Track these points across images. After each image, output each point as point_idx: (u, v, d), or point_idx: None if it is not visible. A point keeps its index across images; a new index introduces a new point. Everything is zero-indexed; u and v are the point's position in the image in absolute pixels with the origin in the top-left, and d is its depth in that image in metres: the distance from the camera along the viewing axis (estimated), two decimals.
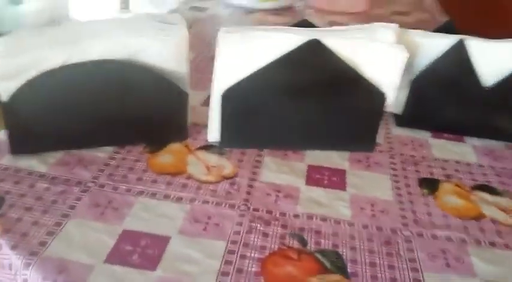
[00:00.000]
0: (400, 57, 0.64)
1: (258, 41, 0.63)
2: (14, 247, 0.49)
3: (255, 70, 0.63)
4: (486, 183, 0.66)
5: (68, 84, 0.60)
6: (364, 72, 0.65)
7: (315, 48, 0.62)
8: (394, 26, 0.67)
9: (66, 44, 0.59)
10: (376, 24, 0.67)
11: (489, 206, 0.61)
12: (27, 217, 0.53)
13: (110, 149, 0.66)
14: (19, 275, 0.48)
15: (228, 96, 0.64)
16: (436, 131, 0.77)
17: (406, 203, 0.60)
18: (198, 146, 0.69)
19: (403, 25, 0.71)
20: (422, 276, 0.49)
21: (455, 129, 0.77)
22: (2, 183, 0.58)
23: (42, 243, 0.50)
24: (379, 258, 0.51)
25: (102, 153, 0.65)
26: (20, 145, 0.62)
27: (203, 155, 0.67)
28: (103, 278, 0.47)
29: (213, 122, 0.67)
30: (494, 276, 0.50)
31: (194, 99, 0.74)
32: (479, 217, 0.59)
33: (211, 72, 0.65)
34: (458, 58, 0.71)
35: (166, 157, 0.66)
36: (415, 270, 0.50)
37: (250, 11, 1.29)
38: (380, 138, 0.72)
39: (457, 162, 0.70)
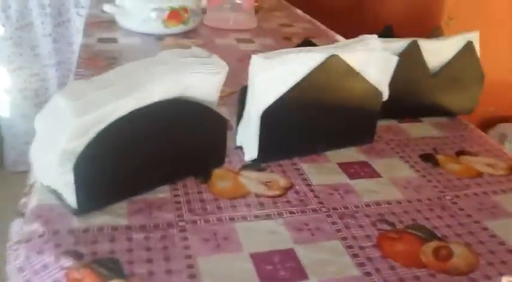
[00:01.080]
0: (391, 61, 0.78)
1: (288, 63, 0.70)
2: None
3: (288, 89, 0.70)
4: (461, 149, 0.84)
5: (133, 131, 0.60)
6: (366, 76, 0.77)
7: (334, 62, 0.72)
8: (375, 36, 0.80)
9: (130, 91, 0.59)
10: (361, 36, 0.80)
11: (478, 164, 0.78)
12: (157, 269, 0.53)
13: (165, 188, 0.66)
14: None
15: (267, 116, 0.70)
16: (398, 118, 0.93)
17: (428, 176, 0.75)
18: (239, 167, 0.73)
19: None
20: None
21: (412, 113, 0.94)
22: (97, 245, 0.55)
23: None
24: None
25: (162, 193, 0.65)
26: (85, 203, 0.59)
27: (249, 174, 0.72)
28: None
29: (251, 141, 0.72)
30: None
31: None
32: (480, 174, 0.76)
33: None
34: (413, 55, 0.88)
35: (223, 183, 0.69)
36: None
37: (160, 38, 1.31)
38: None
39: (431, 138, 0.87)
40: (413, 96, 0.91)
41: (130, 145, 0.60)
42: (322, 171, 0.74)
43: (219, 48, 1.27)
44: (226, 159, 0.74)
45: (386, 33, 0.96)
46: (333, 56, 0.72)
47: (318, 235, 0.60)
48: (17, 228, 0.70)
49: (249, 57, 0.70)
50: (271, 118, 0.71)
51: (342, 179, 0.72)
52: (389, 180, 0.73)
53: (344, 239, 0.59)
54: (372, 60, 0.77)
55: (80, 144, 0.56)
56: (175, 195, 0.65)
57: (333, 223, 0.62)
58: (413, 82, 0.90)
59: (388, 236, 0.61)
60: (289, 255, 0.56)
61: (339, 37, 1.43)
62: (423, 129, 0.90)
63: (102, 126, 0.57)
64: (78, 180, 0.57)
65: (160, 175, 0.66)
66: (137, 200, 0.63)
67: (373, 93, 0.78)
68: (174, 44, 1.29)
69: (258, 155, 0.73)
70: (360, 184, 0.71)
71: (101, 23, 1.40)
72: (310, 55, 0.71)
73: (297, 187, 0.69)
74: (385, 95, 0.80)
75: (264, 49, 1.27)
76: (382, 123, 0.90)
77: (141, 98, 0.59)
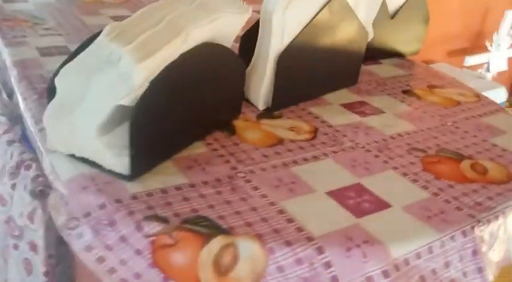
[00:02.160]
0: (377, 1, 0.81)
1: (301, 3, 0.68)
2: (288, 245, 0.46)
3: (299, 30, 0.69)
4: (430, 83, 0.91)
5: (182, 78, 0.54)
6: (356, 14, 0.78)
7: (338, 2, 0.72)
8: None
9: (174, 35, 0.52)
10: None
11: (451, 94, 0.86)
12: (251, 219, 0.49)
13: (199, 144, 0.61)
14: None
15: (283, 60, 0.68)
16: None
17: (420, 108, 0.80)
18: (254, 117, 0.70)
19: None
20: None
21: (372, 56, 0.99)
22: (174, 206, 0.49)
23: (300, 230, 0.48)
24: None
25: (199, 149, 0.60)
26: (138, 166, 0.52)
27: (270, 122, 0.69)
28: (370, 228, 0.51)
29: (264, 90, 0.70)
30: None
31: None
32: (458, 103, 0.83)
33: None
34: None
35: (251, 134, 0.65)
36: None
37: None
38: None
39: (400, 76, 0.93)
40: (374, 39, 0.96)
41: (180, 95, 0.54)
42: (333, 113, 0.74)
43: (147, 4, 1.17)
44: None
45: None
46: None
47: (372, 168, 0.61)
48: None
49: None
50: (287, 62, 0.69)
51: (354, 118, 0.74)
52: (394, 115, 0.76)
53: (395, 168, 0.62)
54: (361, 1, 0.78)
55: (136, 96, 0.49)
56: (214, 150, 0.61)
57: (376, 156, 0.64)
58: (374, 24, 0.94)
59: (429, 160, 0.64)
60: (360, 188, 0.57)
61: None
62: (388, 69, 0.96)
63: (155, 73, 0.50)
64: (134, 140, 0.50)
65: (195, 129, 0.61)
66: (179, 158, 0.58)
67: (362, 33, 0.81)
68: (93, 1, 1.16)
69: (273, 103, 0.71)
70: (373, 121, 0.73)
71: None
72: None
73: (321, 129, 0.69)
74: (370, 35, 0.83)
75: None
76: None
77: (184, 42, 0.53)
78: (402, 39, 1.00)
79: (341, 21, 0.75)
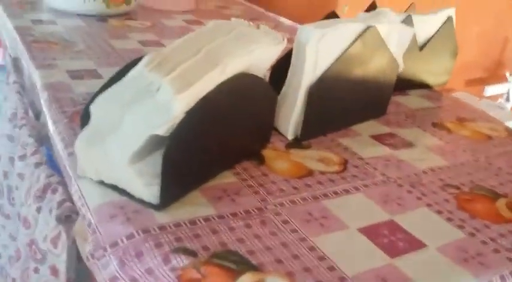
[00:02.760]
0: (408, 33, 0.80)
1: (339, 33, 0.67)
2: None
3: (332, 62, 0.68)
4: (460, 116, 0.89)
5: (217, 108, 0.53)
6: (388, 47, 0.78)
7: (371, 33, 0.71)
8: (390, 9, 0.81)
9: (213, 65, 0.51)
10: (379, 9, 0.80)
11: (484, 129, 0.84)
12: (282, 256, 0.47)
13: (227, 174, 0.60)
14: None
15: (314, 91, 0.67)
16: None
17: (451, 142, 0.78)
18: (282, 147, 0.69)
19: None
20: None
21: (399, 87, 0.97)
22: (203, 239, 0.48)
23: (331, 268, 0.47)
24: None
25: (228, 178, 0.59)
26: (168, 196, 0.51)
27: (299, 152, 0.68)
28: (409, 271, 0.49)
29: (296, 118, 0.69)
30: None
31: None
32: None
33: None
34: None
35: (280, 164, 0.64)
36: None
37: (102, 19, 1.18)
38: None
39: (428, 108, 0.91)
40: (403, 69, 0.95)
41: (215, 126, 0.54)
42: (362, 145, 0.73)
43: (173, 29, 1.19)
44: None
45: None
46: (370, 27, 0.71)
47: (405, 205, 0.59)
48: (26, 240, 0.59)
49: None
50: (318, 93, 0.68)
51: (385, 150, 0.72)
52: (425, 148, 0.74)
53: (429, 205, 0.60)
54: (393, 33, 0.78)
55: (171, 126, 0.48)
56: (243, 180, 0.60)
57: (409, 192, 0.62)
58: (404, 56, 0.93)
59: (463, 197, 0.62)
60: (394, 226, 0.55)
61: (282, 19, 1.43)
62: (416, 101, 0.94)
63: (192, 103, 0.49)
64: (166, 170, 0.49)
65: (225, 159, 0.60)
66: (208, 188, 0.57)
67: (393, 65, 0.80)
68: (121, 25, 1.17)
69: (302, 133, 0.70)
70: (403, 154, 0.72)
71: (23, 4, 1.22)
72: (355, 26, 0.70)
73: (351, 162, 0.68)
74: (401, 67, 0.82)
75: None
76: None
77: (222, 73, 0.53)
78: (430, 71, 0.99)
79: (373, 53, 0.74)
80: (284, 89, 0.70)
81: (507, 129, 0.86)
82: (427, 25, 0.95)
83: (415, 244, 0.52)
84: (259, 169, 0.62)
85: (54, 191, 0.61)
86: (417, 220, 0.56)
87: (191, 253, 0.46)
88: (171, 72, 0.47)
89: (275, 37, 0.61)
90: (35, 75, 0.82)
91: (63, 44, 0.97)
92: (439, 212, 0.58)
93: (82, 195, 0.54)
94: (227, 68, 0.52)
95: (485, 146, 0.78)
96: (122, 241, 0.47)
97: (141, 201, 0.51)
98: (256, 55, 0.58)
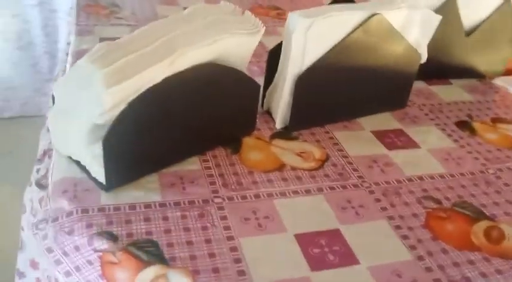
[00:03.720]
0: (433, 21, 0.72)
1: (330, 22, 0.64)
2: None
3: (326, 51, 0.65)
4: (496, 116, 0.80)
5: (166, 100, 0.54)
6: (405, 36, 0.71)
7: (378, 21, 0.66)
8: None
9: (163, 56, 0.52)
10: None
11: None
12: (198, 252, 0.49)
13: (194, 160, 0.62)
14: None
15: (302, 81, 0.65)
16: (427, 79, 0.88)
17: (466, 146, 0.71)
18: (267, 136, 0.68)
19: None
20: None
21: (442, 75, 0.89)
22: (132, 225, 0.51)
23: (241, 273, 0.47)
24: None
25: (192, 165, 0.61)
26: (115, 178, 0.55)
27: (281, 143, 0.67)
28: None
29: (282, 109, 0.67)
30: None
31: None
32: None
33: None
34: (449, 12, 0.82)
35: (254, 154, 0.64)
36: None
37: None
38: None
39: (463, 102, 0.83)
40: (445, 56, 0.86)
41: (163, 115, 0.55)
42: (357, 141, 0.69)
43: None
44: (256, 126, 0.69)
45: None
46: (376, 14, 0.66)
47: (363, 214, 0.56)
48: (30, 196, 0.66)
49: None
50: (306, 83, 0.65)
51: (380, 149, 0.68)
52: (428, 152, 0.69)
53: (391, 218, 0.56)
54: (414, 19, 0.71)
55: (111, 116, 0.51)
56: (206, 168, 0.61)
57: (377, 200, 0.59)
58: (446, 41, 0.84)
59: (436, 215, 0.57)
60: (335, 236, 0.53)
61: None
62: (454, 92, 0.86)
63: (134, 95, 0.51)
64: (107, 155, 0.52)
65: (190, 145, 0.61)
66: (168, 173, 0.59)
67: (412, 54, 0.73)
68: None
69: (290, 123, 0.69)
70: (399, 156, 0.67)
71: None
72: (353, 14, 0.65)
73: (333, 159, 0.65)
74: (424, 57, 0.75)
75: None
76: None
77: (174, 64, 0.53)
78: (481, 58, 0.89)
79: (381, 42, 0.68)
80: (275, 77, 0.68)
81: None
82: (478, 8, 0.84)
83: (347, 260, 0.50)
84: (229, 158, 0.63)
85: (50, 157, 0.68)
86: (366, 233, 0.54)
87: (113, 238, 0.49)
88: (110, 64, 0.49)
89: (252, 25, 0.59)
90: (71, 40, 0.89)
91: (110, 9, 1.02)
92: (398, 228, 0.55)
93: (52, 166, 0.59)
94: (182, 57, 0.53)
95: (506, 154, 0.70)
96: (62, 217, 0.52)
97: (95, 181, 0.55)
98: (225, 45, 0.57)
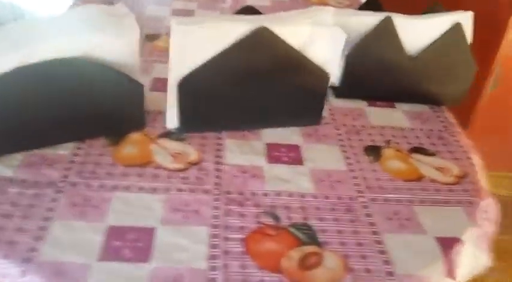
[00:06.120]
0: (339, 38, 0.70)
1: (209, 31, 0.65)
2: (5, 256, 0.50)
3: (209, 58, 0.66)
4: (420, 146, 0.75)
5: (22, 86, 0.60)
6: (308, 53, 0.70)
7: (263, 34, 0.66)
8: (331, 9, 0.72)
9: (18, 46, 0.58)
10: (314, 7, 0.72)
11: (427, 167, 0.70)
12: (9, 225, 0.53)
13: (71, 145, 0.66)
14: None
15: (184, 85, 0.67)
16: (370, 100, 0.85)
17: (357, 171, 0.68)
18: (158, 133, 0.71)
19: None
20: (383, 237, 0.57)
21: (386, 97, 0.85)
22: None
23: (33, 249, 0.51)
24: (344, 225, 0.58)
25: (64, 150, 0.66)
26: None
27: (165, 142, 0.69)
28: (102, 275, 0.49)
29: (171, 109, 0.70)
30: (440, 230, 0.59)
31: None
32: (420, 178, 0.68)
33: (151, 55, 0.67)
34: (387, 33, 0.78)
35: (129, 148, 0.68)
36: (375, 233, 0.58)
37: None
38: (324, 111, 0.78)
39: (392, 127, 0.79)
40: (388, 78, 0.82)
41: (21, 99, 0.60)
42: (243, 150, 0.69)
43: None
44: (150, 124, 0.72)
45: (371, 4, 0.86)
46: (260, 28, 0.65)
47: (192, 218, 0.57)
48: None
49: None
50: (189, 88, 0.67)
51: (259, 161, 0.68)
52: (309, 170, 0.67)
53: (215, 227, 0.56)
54: (318, 36, 0.69)
55: None
56: (75, 154, 0.65)
57: (215, 208, 0.59)
58: (387, 63, 0.80)
59: (264, 231, 0.56)
60: (147, 234, 0.54)
61: None
62: (391, 116, 0.81)
63: None
64: None
65: (65, 132, 0.66)
66: (36, 154, 0.64)
67: (318, 72, 0.71)
68: None
69: (180, 125, 0.71)
70: (275, 170, 0.66)
71: None
72: (234, 25, 0.65)
73: (204, 164, 0.66)
74: (334, 76, 0.73)
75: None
76: (348, 105, 0.83)
77: (26, 56, 0.58)
78: (434, 85, 0.83)
79: (275, 56, 0.68)
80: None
81: (462, 174, 0.69)
82: (426, 31, 0.79)
83: (140, 257, 0.51)
84: (103, 150, 0.67)
85: None
86: (181, 236, 0.54)
87: None
88: None
89: (120, 31, 0.63)
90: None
91: None
92: (214, 236, 0.55)
93: None
94: (34, 51, 0.58)
95: (394, 186, 0.65)
96: None
97: None
98: (89, 42, 0.61)
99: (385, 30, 0.78)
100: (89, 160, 0.64)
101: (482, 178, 0.69)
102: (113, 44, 0.63)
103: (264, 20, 0.68)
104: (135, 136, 0.70)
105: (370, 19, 0.78)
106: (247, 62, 0.67)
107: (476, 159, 0.73)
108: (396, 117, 0.82)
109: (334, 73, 0.73)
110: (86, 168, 0.63)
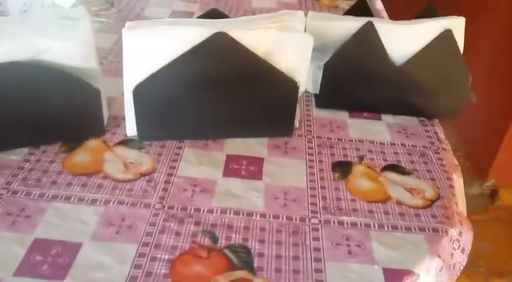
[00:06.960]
0: (306, 44, 0.65)
1: (163, 35, 0.62)
2: None
3: (164, 64, 0.63)
4: (396, 163, 0.69)
5: None
6: (274, 60, 0.65)
7: (222, 40, 0.62)
8: (301, 13, 0.67)
9: None
10: (283, 11, 0.67)
11: (396, 187, 0.64)
12: None
13: (24, 150, 0.65)
14: None
15: (139, 92, 0.64)
16: (353, 111, 0.79)
17: (318, 189, 0.63)
18: (117, 141, 0.69)
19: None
20: (324, 266, 0.52)
21: (371, 108, 0.79)
22: None
23: None
24: (285, 249, 0.54)
25: (16, 156, 0.64)
26: None
27: (122, 150, 0.67)
28: None
29: (129, 116, 0.67)
30: (392, 261, 0.53)
31: (113, 89, 0.73)
32: (385, 199, 0.62)
33: None
34: (368, 39, 0.72)
35: (82, 156, 0.66)
36: (318, 260, 0.53)
37: None
38: (298, 122, 0.73)
39: (371, 142, 0.73)
40: (371, 88, 0.76)
41: None
42: (201, 161, 0.66)
43: None
44: (113, 130, 0.70)
45: (361, 7, 0.80)
46: (218, 33, 0.62)
47: (123, 234, 0.54)
48: None
49: None
50: (144, 95, 0.64)
51: (214, 174, 0.64)
52: (266, 187, 0.63)
53: (145, 244, 0.53)
54: (285, 42, 0.65)
55: None
56: (25, 161, 0.64)
57: (152, 224, 0.56)
58: (369, 71, 0.74)
59: (196, 252, 0.53)
60: (71, 250, 0.52)
61: None
62: (372, 129, 0.76)
63: None
64: None
65: (18, 136, 0.65)
66: None
67: (285, 80, 0.67)
68: None
69: (138, 133, 0.68)
70: (229, 184, 0.62)
71: None
72: (192, 28, 0.62)
73: (155, 175, 0.63)
74: (302, 86, 0.68)
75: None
76: (330, 116, 0.78)
77: None
78: (426, 97, 0.76)
79: (236, 63, 0.64)
80: None
81: (434, 198, 0.62)
82: (415, 37, 0.73)
83: (59, 274, 0.49)
84: (55, 156, 0.65)
85: None
86: (107, 254, 0.51)
87: None
88: None
89: (70, 34, 0.60)
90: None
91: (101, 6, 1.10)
92: (141, 256, 0.52)
93: None
94: None
95: (352, 207, 0.60)
96: None
97: None
98: (43, 47, 0.59)
99: (366, 36, 0.72)
100: (37, 167, 0.63)
101: (459, 202, 0.63)
102: (63, 48, 0.61)
103: (226, 25, 0.64)
104: (92, 143, 0.68)
105: (350, 24, 0.72)
106: (204, 69, 0.64)
107: (458, 181, 0.66)
108: (378, 130, 0.76)
109: (304, 81, 0.68)
110: (32, 175, 0.61)
